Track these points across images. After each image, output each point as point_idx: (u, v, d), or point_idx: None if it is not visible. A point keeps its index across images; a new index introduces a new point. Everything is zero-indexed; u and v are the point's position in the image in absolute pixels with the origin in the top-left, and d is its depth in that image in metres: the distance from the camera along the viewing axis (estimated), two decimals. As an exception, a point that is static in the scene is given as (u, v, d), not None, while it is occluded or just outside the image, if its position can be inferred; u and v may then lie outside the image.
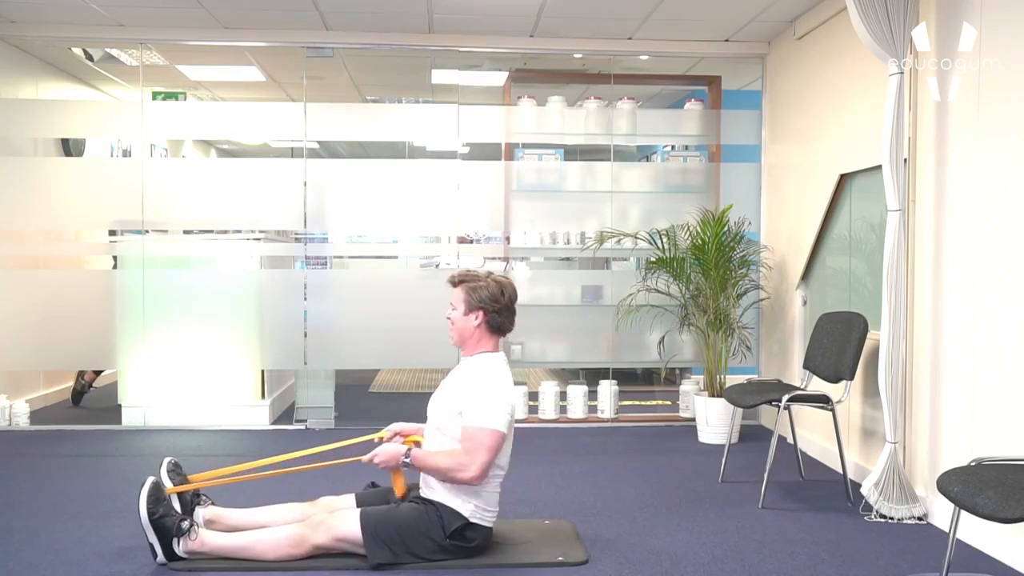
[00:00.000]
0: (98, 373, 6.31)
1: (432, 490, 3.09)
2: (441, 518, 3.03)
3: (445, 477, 3.02)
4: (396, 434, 3.26)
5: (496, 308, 3.14)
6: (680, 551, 3.29)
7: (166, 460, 3.25)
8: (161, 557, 3.02)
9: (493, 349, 3.19)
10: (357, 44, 5.73)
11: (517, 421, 5.70)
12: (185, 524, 3.02)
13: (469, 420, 3.01)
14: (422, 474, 3.14)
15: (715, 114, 6.07)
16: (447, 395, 3.16)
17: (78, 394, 6.26)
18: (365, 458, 3.08)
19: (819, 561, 3.20)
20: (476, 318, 3.14)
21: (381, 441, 3.23)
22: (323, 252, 6.03)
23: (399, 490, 3.15)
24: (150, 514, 2.98)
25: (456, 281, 3.20)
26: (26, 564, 3.09)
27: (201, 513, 3.19)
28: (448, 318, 3.20)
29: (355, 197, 5.81)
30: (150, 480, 3.04)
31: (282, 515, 3.21)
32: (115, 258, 6.00)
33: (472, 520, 3.06)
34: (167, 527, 3.00)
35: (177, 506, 3.14)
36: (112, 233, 6.03)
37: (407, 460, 3.01)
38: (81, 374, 6.24)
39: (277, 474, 3.44)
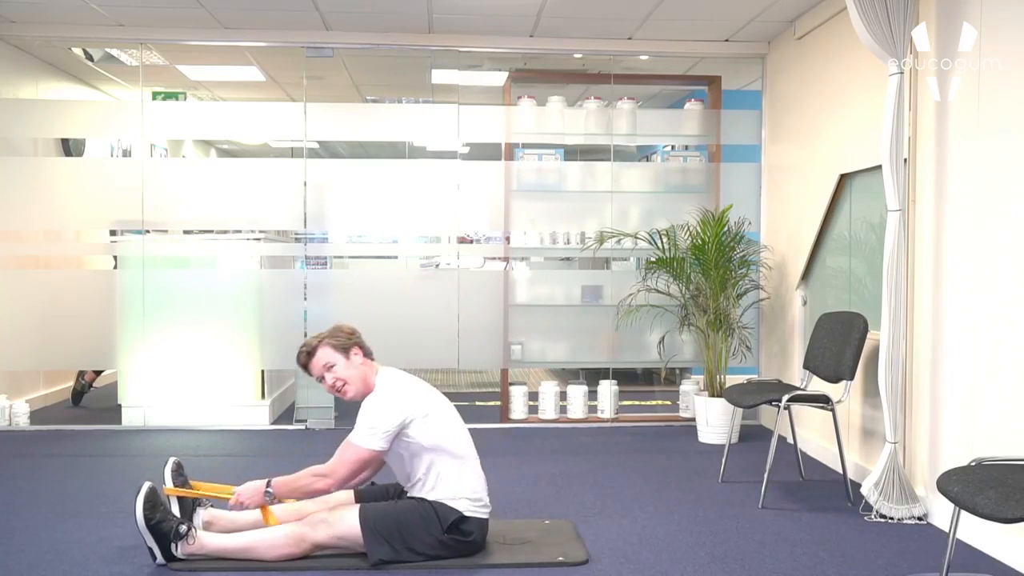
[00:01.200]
0: (98, 373, 6.30)
1: (421, 490, 3.11)
2: (437, 514, 3.05)
3: (307, 492, 3.09)
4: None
5: (358, 337, 3.23)
6: (680, 551, 3.29)
7: (170, 460, 3.26)
8: (160, 560, 3.02)
9: (374, 372, 3.21)
10: (357, 44, 5.73)
11: (518, 421, 5.79)
12: (183, 528, 3.02)
13: (350, 435, 3.09)
14: (409, 475, 3.15)
15: (715, 114, 6.07)
16: None
17: (78, 394, 6.26)
18: (231, 503, 3.11)
19: (819, 561, 3.20)
20: (357, 354, 3.19)
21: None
22: (323, 252, 6.02)
23: (268, 521, 3.13)
24: (147, 520, 2.97)
25: (312, 349, 3.17)
26: (26, 564, 3.09)
27: (200, 514, 3.20)
28: (334, 387, 3.16)
29: (355, 197, 5.81)
30: (146, 485, 3.03)
31: (280, 514, 3.21)
32: (116, 258, 6.01)
33: (467, 514, 3.08)
34: (164, 531, 3.00)
35: (176, 507, 3.14)
36: (113, 233, 6.02)
37: (270, 490, 3.06)
38: (81, 374, 6.24)
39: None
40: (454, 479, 3.09)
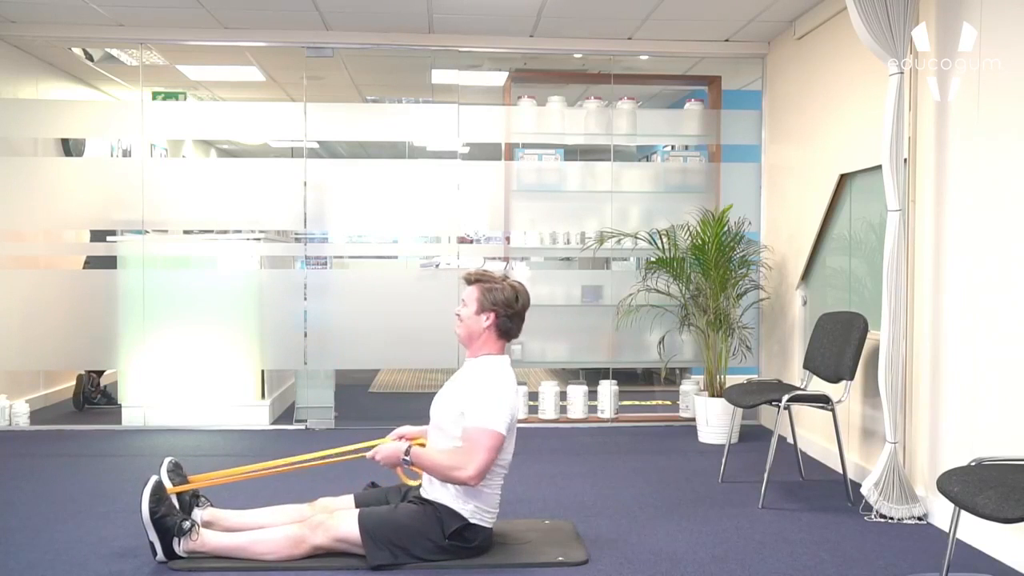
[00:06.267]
0: (100, 374, 6.22)
1: (432, 490, 3.10)
2: (440, 519, 3.03)
3: (443, 476, 3.01)
4: (401, 437, 3.25)
5: (508, 313, 3.14)
6: (680, 551, 3.29)
7: (167, 460, 3.26)
8: (161, 555, 3.03)
9: (498, 352, 3.18)
10: (357, 44, 5.73)
11: (518, 421, 5.76)
12: (187, 524, 3.03)
13: (470, 421, 3.01)
14: (424, 474, 3.14)
15: (715, 114, 6.07)
16: (449, 396, 3.16)
17: (83, 399, 6.16)
18: (368, 454, 3.11)
19: (819, 561, 3.20)
20: (487, 319, 3.13)
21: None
22: (323, 252, 6.03)
23: (406, 481, 3.19)
24: (152, 513, 2.99)
25: (472, 279, 3.19)
26: (26, 564, 3.09)
27: (200, 514, 3.19)
28: (457, 314, 3.19)
29: (355, 197, 5.81)
30: (153, 479, 3.06)
31: (280, 516, 3.21)
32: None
33: (472, 521, 3.06)
34: (168, 526, 3.01)
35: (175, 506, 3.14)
36: (113, 233, 5.97)
37: (407, 458, 3.01)
38: (87, 380, 6.14)
39: (272, 473, 3.44)
40: (488, 490, 3.06)
